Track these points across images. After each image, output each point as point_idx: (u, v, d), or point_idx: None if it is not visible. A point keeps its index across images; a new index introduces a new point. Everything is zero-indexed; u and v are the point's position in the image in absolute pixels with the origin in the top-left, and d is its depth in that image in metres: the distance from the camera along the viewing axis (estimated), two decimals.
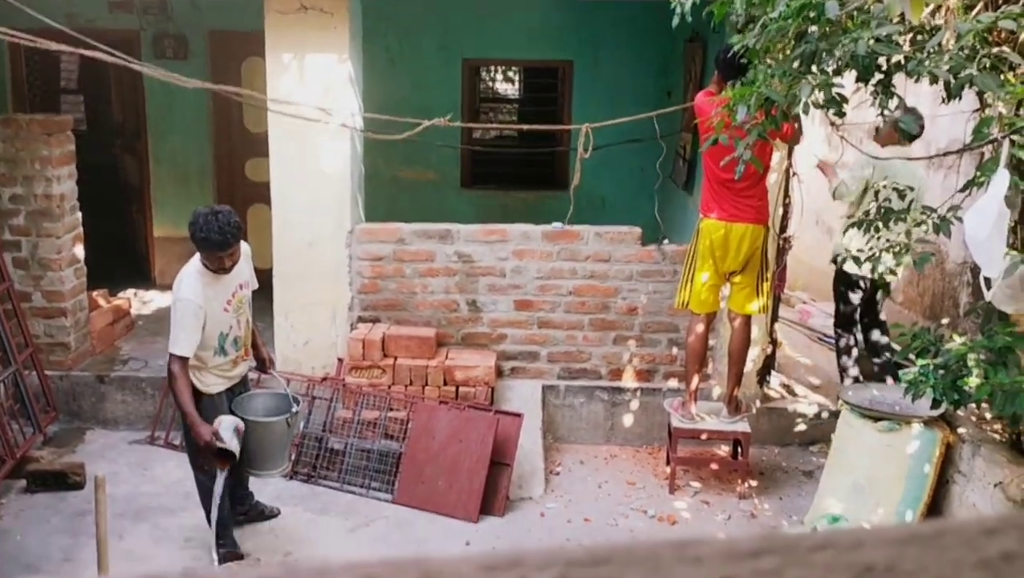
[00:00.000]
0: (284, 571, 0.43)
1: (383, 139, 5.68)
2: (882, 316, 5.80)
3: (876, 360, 5.75)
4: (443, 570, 0.43)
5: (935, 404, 3.87)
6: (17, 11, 4.54)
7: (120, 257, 8.09)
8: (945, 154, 5.46)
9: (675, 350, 5.75)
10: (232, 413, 4.24)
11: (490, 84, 9.52)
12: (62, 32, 4.58)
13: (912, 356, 3.94)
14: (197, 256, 4.15)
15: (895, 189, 4.67)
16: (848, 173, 5.47)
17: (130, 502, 4.91)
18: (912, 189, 5.38)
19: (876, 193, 5.04)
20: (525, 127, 6.48)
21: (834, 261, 5.45)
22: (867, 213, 4.66)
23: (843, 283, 5.66)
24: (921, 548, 0.43)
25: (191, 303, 4.06)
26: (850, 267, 5.13)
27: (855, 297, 5.65)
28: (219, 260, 4.06)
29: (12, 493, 4.97)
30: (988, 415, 4.72)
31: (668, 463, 5.32)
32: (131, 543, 4.52)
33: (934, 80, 3.06)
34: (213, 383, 4.26)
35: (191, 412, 4.07)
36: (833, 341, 6.06)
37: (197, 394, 4.16)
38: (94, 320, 6.18)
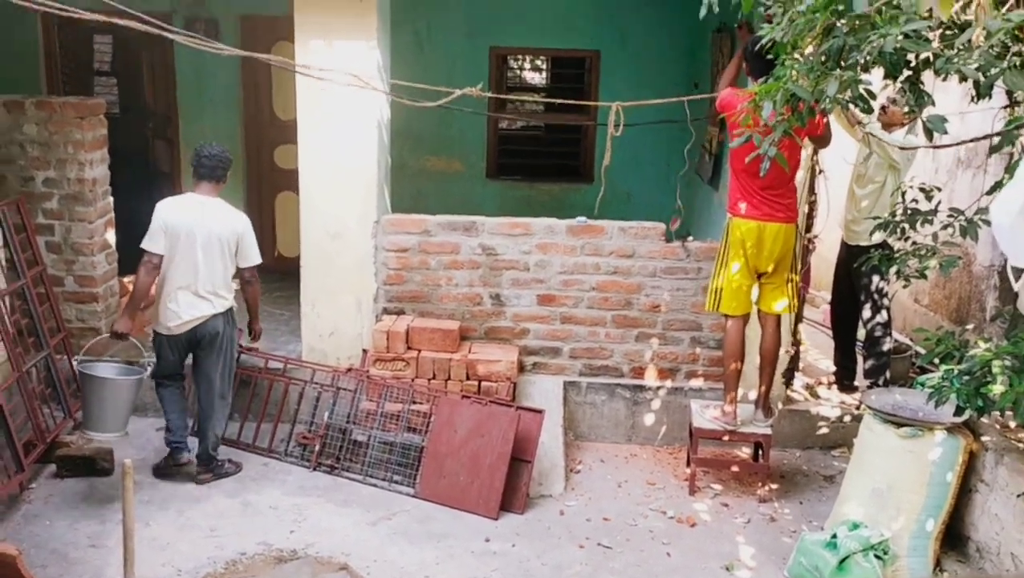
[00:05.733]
0: None
1: (415, 106, 5.59)
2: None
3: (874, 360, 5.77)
4: None
5: (959, 411, 3.86)
6: None
7: None
8: (972, 140, 5.36)
9: (698, 349, 5.74)
10: (82, 372, 4.92)
11: (518, 73, 9.52)
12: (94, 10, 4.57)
13: (936, 361, 3.92)
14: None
15: (921, 189, 4.61)
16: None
17: (156, 489, 5.00)
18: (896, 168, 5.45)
19: (902, 194, 4.98)
20: (556, 101, 6.50)
21: (861, 265, 5.37)
22: (892, 214, 4.62)
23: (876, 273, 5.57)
24: None
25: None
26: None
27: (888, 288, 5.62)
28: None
29: (42, 477, 5.06)
30: (1012, 423, 4.69)
31: (688, 464, 5.32)
32: (156, 530, 4.59)
33: (963, 78, 3.01)
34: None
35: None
36: (865, 345, 5.90)
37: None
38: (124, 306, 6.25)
